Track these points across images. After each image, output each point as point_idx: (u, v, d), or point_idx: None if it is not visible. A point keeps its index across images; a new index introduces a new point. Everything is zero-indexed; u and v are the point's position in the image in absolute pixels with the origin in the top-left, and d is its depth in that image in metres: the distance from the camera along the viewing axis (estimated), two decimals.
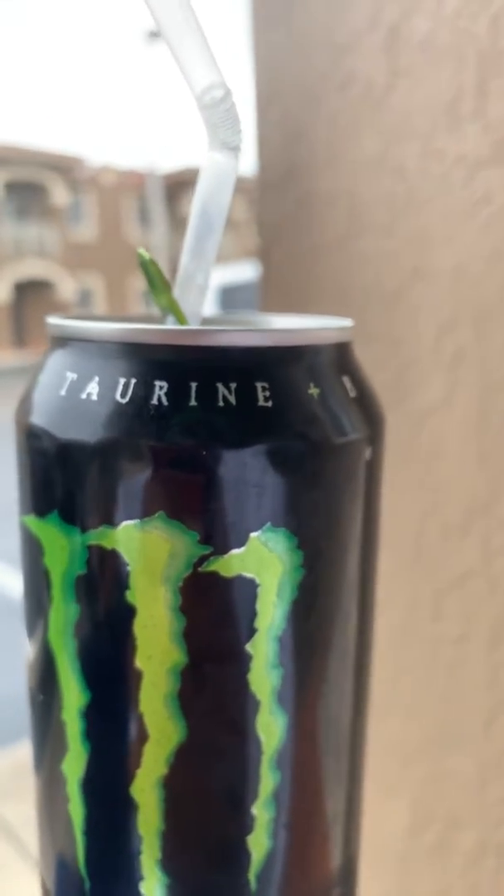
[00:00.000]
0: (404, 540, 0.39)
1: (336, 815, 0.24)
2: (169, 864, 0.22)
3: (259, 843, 0.22)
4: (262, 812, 0.22)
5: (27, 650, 0.24)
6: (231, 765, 0.21)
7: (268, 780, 0.21)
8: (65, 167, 16.65)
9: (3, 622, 1.99)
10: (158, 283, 0.23)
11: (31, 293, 16.58)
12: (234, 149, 0.22)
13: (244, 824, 0.22)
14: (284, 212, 0.43)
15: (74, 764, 0.22)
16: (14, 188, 16.29)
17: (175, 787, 0.21)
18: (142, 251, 0.22)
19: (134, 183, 17.49)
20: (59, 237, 16.75)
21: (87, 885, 0.23)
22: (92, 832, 0.22)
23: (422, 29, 0.34)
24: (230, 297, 4.38)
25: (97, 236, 17.68)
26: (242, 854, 0.22)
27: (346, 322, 0.23)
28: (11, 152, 15.77)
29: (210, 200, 0.23)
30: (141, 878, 0.22)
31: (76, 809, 0.22)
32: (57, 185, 16.63)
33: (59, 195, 16.67)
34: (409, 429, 0.38)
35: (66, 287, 16.72)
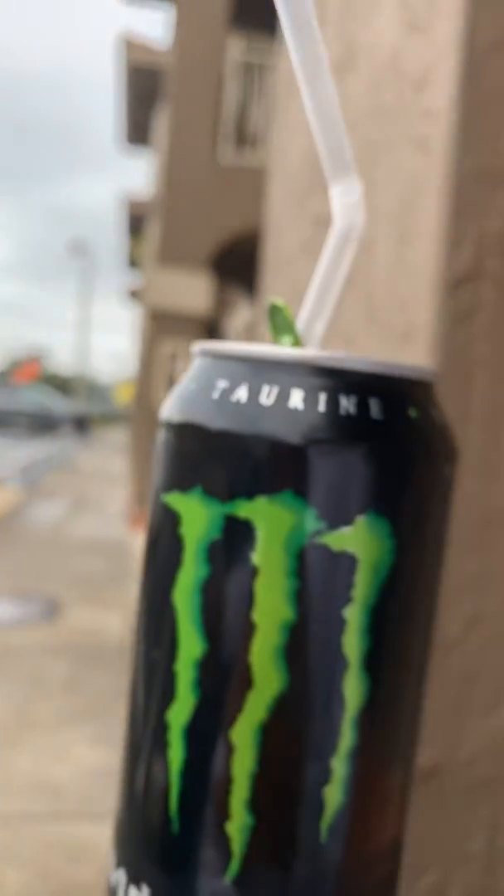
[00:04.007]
0: None
1: (395, 789, 0.27)
2: (256, 803, 0.25)
3: (333, 796, 0.25)
4: (338, 766, 0.25)
5: (141, 614, 0.28)
6: (319, 716, 0.25)
7: (347, 737, 0.25)
8: None
9: None
10: (288, 324, 0.28)
11: None
12: (355, 235, 0.29)
13: (323, 773, 0.25)
14: None
15: (180, 711, 0.26)
16: None
17: (271, 731, 0.25)
18: (277, 299, 0.28)
19: None
20: None
21: (176, 826, 0.26)
22: (188, 774, 0.26)
23: None
24: None
25: None
26: (318, 802, 0.25)
27: (434, 369, 0.28)
28: None
29: (331, 268, 0.29)
30: (227, 818, 0.25)
31: (176, 754, 0.26)
32: None
33: None
34: None
35: None
